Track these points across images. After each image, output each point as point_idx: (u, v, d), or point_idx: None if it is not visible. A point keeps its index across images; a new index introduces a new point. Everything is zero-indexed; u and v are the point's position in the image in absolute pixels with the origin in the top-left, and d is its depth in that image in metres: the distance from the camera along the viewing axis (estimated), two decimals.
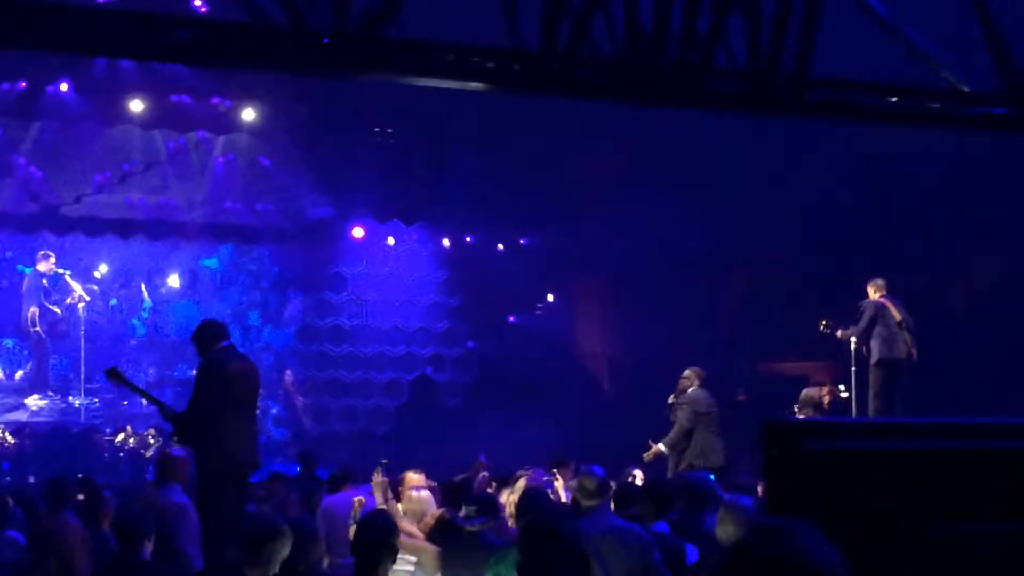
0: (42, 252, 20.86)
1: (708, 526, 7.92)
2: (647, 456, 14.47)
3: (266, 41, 7.89)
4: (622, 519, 7.73)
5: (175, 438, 10.19)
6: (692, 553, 7.41)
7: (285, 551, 6.39)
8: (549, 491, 11.38)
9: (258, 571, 6.30)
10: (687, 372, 14.80)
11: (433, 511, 9.01)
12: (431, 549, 7.91)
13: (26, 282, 20.82)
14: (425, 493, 9.52)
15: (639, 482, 10.95)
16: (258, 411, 10.93)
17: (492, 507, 7.60)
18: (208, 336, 10.05)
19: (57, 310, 20.78)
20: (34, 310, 20.55)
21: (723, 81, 8.73)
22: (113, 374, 10.24)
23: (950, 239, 18.74)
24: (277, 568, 6.39)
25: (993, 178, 17.47)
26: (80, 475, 12.96)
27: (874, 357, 14.93)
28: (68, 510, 9.11)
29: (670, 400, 14.83)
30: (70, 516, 8.98)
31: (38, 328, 20.58)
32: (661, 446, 14.42)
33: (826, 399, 16.02)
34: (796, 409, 14.54)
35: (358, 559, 6.15)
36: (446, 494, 10.02)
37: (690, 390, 14.56)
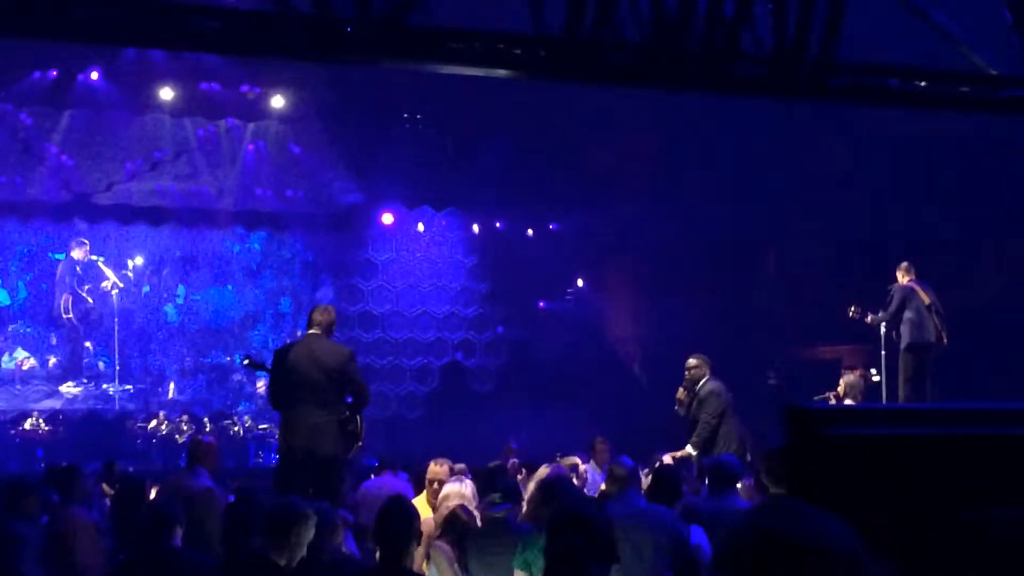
0: (76, 239, 20.99)
1: (736, 506, 7.98)
2: (676, 456, 12.87)
3: (291, 30, 7.91)
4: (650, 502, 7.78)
5: None
6: (696, 534, 7.41)
7: (310, 535, 6.43)
8: (574, 476, 11.40)
9: (284, 555, 6.34)
10: (695, 361, 13.26)
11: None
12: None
13: (59, 270, 20.94)
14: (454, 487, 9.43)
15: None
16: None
17: (516, 494, 7.62)
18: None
19: (90, 299, 20.89)
20: (67, 297, 20.66)
21: (749, 66, 8.67)
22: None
23: (982, 222, 18.60)
24: (304, 552, 6.42)
25: None
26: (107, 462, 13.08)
27: (904, 341, 14.83)
28: (76, 502, 9.16)
29: (680, 396, 13.37)
30: (78, 508, 9.02)
31: (71, 315, 20.69)
32: (690, 450, 13.00)
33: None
34: (833, 395, 14.29)
35: (382, 546, 6.13)
36: (479, 481, 10.03)
37: (705, 381, 13.11)
